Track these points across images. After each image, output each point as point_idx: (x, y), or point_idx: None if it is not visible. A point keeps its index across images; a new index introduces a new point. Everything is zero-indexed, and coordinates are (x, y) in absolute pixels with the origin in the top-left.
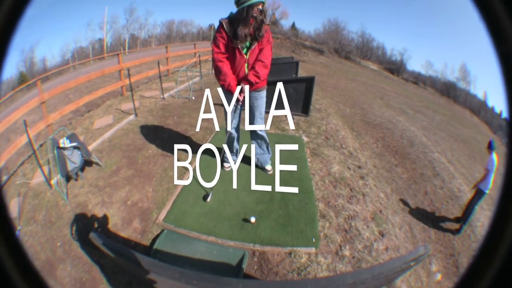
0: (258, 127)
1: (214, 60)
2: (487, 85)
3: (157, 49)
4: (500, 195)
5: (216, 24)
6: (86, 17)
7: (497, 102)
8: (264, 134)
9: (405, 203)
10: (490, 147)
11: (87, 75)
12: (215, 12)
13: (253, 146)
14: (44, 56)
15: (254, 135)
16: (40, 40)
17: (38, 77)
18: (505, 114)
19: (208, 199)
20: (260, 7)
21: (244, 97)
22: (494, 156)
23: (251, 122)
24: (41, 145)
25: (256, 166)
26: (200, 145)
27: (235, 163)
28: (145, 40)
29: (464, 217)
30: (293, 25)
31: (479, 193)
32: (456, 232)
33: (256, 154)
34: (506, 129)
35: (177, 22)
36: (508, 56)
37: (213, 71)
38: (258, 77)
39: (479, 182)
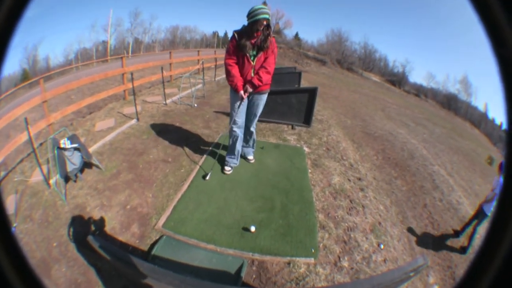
0: (252, 125)
1: (225, 64)
2: (488, 97)
3: (161, 54)
4: (500, 195)
5: (220, 32)
6: (90, 19)
7: (497, 114)
8: (254, 131)
9: (411, 231)
10: (501, 169)
11: (90, 76)
12: (219, 20)
13: (240, 138)
14: (47, 55)
15: (246, 130)
16: (44, 38)
17: (41, 76)
18: (504, 118)
19: (208, 177)
20: (265, 22)
21: (247, 95)
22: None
23: (248, 117)
24: (41, 144)
25: (240, 156)
26: (202, 151)
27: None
28: (149, 44)
29: (469, 240)
30: (297, 35)
31: (481, 214)
32: (463, 251)
33: (242, 146)
34: (505, 132)
35: (181, 28)
36: (507, 59)
37: (225, 74)
38: (261, 81)
39: (484, 202)
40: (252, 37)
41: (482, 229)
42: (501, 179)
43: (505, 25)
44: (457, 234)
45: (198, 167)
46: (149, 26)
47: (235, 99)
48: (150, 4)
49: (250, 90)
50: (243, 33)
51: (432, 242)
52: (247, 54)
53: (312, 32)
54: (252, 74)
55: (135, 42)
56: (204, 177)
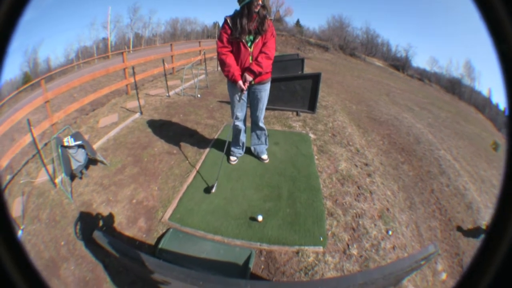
0: (260, 119)
1: (218, 54)
2: (491, 82)
3: (162, 47)
4: (500, 195)
5: (221, 22)
6: (89, 17)
7: (501, 99)
8: (264, 126)
9: (460, 229)
10: None
11: (91, 73)
12: (220, 10)
13: (252, 136)
14: (48, 56)
15: (254, 126)
16: (43, 41)
17: (41, 77)
18: (505, 112)
19: (213, 190)
20: (260, 2)
21: (247, 86)
22: None
23: (253, 113)
24: (45, 144)
25: (253, 155)
26: (207, 142)
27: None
28: (150, 38)
29: None
30: (298, 22)
31: None
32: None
33: (253, 144)
34: (505, 127)
35: (181, 20)
36: (508, 55)
37: (219, 65)
38: (260, 67)
39: None
40: (247, 21)
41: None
42: None
43: (506, 21)
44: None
45: (203, 158)
46: (148, 21)
47: (233, 91)
48: None
49: (249, 78)
50: (238, 17)
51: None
52: (243, 40)
53: (313, 19)
54: (251, 62)
55: (136, 37)
56: (208, 190)
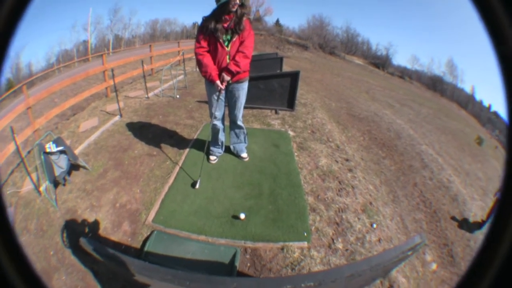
0: (238, 118)
1: (195, 55)
2: (475, 79)
3: (141, 48)
4: (500, 194)
5: (200, 22)
6: (71, 19)
7: (485, 96)
8: (243, 125)
9: (455, 219)
10: None
11: (72, 77)
12: (199, 10)
13: (231, 135)
14: (30, 61)
15: (233, 124)
16: (25, 45)
17: (23, 82)
18: (505, 114)
19: (197, 186)
20: (238, 1)
21: (225, 85)
22: None
23: (232, 112)
24: (29, 152)
25: (232, 153)
26: (186, 142)
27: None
28: (129, 40)
29: (487, 216)
30: (277, 21)
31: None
32: (479, 226)
33: (232, 143)
34: (505, 127)
35: (161, 21)
36: (507, 57)
37: (197, 65)
38: (238, 66)
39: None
40: (224, 20)
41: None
42: None
43: (505, 23)
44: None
45: (183, 158)
46: (128, 22)
47: (211, 91)
48: None
49: (227, 78)
50: (213, 17)
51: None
52: (220, 40)
53: (294, 18)
54: (228, 61)
55: (116, 38)
56: (193, 185)
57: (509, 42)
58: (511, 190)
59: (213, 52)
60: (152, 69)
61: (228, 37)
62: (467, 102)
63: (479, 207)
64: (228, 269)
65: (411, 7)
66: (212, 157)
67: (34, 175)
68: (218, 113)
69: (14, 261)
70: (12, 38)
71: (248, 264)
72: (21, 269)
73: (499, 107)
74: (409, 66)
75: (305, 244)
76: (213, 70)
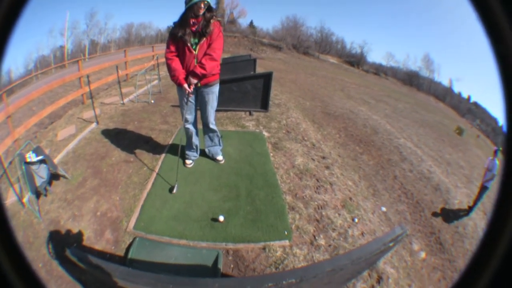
0: (210, 121)
1: (165, 60)
2: (452, 73)
3: (117, 53)
4: (499, 195)
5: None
6: (48, 23)
7: (463, 88)
8: (215, 128)
9: (436, 215)
10: (496, 154)
11: (48, 84)
12: (175, 13)
13: (205, 138)
14: (9, 67)
15: (206, 128)
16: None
17: (2, 90)
18: (503, 114)
19: (174, 191)
20: (202, 5)
21: (195, 89)
22: (497, 161)
23: (203, 115)
24: (10, 163)
25: (208, 156)
26: (162, 147)
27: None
28: (105, 45)
29: (474, 202)
30: (251, 23)
31: (484, 188)
32: (467, 212)
33: (207, 146)
34: (505, 127)
35: (136, 25)
36: (505, 56)
37: (167, 70)
38: (204, 69)
39: (484, 182)
40: (192, 24)
41: (486, 197)
42: (495, 161)
43: (503, 22)
44: (470, 209)
45: (160, 163)
46: (104, 26)
47: (181, 94)
48: (106, 2)
49: (194, 81)
50: (181, 21)
51: (451, 215)
52: (188, 44)
53: (267, 20)
54: (196, 64)
55: (92, 44)
56: (170, 190)
57: (507, 41)
58: (511, 190)
59: (181, 56)
60: (127, 75)
61: (196, 40)
62: (445, 95)
63: (464, 194)
64: (212, 272)
65: (388, 5)
66: (188, 161)
67: (16, 186)
68: (190, 117)
69: (14, 261)
70: (9, 40)
71: (232, 266)
72: (20, 269)
73: (479, 97)
74: (384, 63)
75: (286, 242)
76: (180, 73)
